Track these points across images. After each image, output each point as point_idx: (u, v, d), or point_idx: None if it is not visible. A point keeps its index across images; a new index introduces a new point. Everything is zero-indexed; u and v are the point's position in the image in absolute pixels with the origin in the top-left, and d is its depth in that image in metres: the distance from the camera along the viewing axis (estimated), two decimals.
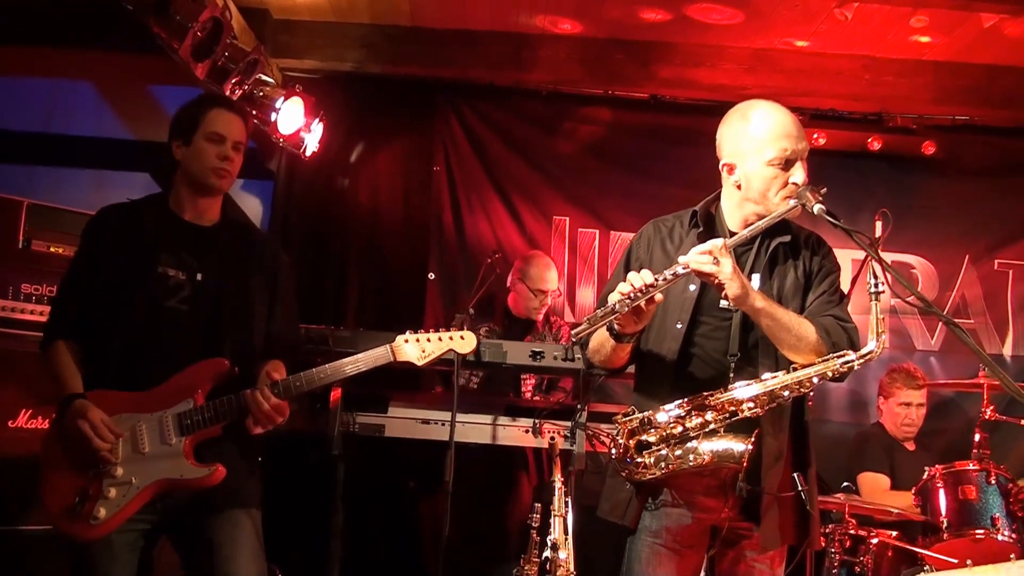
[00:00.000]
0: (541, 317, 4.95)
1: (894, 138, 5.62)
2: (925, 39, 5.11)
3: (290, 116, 4.87)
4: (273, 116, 4.75)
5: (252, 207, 5.64)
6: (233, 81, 4.37)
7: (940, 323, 5.64)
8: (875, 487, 4.66)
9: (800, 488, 2.54)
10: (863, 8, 4.72)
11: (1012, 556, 3.66)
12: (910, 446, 4.90)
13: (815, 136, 5.49)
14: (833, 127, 5.57)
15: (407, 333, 2.92)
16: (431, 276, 5.54)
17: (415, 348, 2.91)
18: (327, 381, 2.83)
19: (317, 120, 5.04)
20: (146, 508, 2.68)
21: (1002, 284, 5.77)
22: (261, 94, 4.71)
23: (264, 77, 4.69)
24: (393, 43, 5.34)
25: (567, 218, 5.69)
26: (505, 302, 5.01)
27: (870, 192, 5.57)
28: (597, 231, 5.70)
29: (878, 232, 4.22)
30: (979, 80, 5.41)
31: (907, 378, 4.87)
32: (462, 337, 2.93)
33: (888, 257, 5.53)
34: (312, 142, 5.09)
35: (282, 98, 4.77)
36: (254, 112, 4.67)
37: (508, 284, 4.99)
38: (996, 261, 5.77)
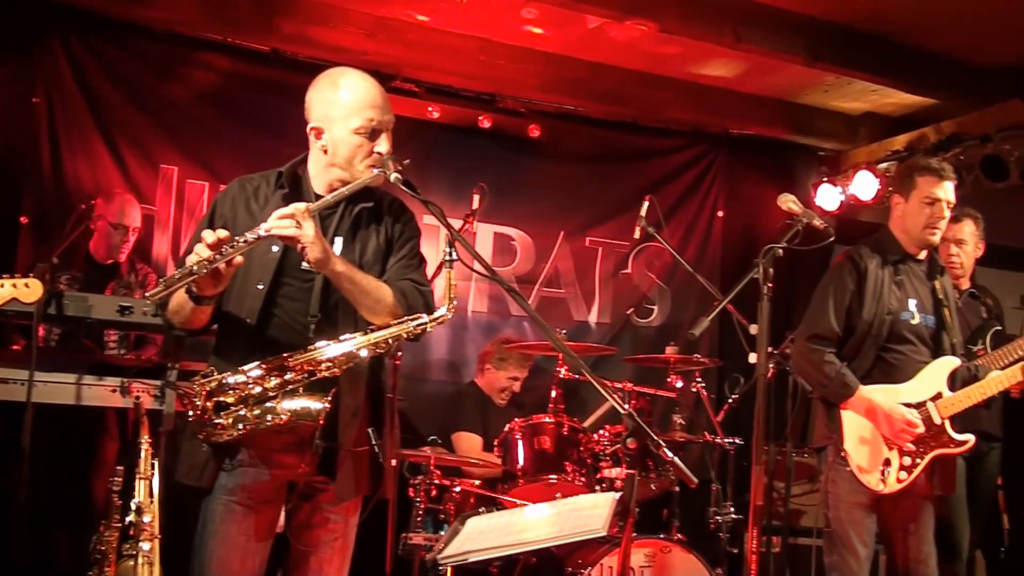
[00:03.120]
0: (125, 258, 4.72)
1: (504, 118, 5.96)
2: (537, 30, 5.41)
3: None
4: None
5: None
6: None
7: (535, 290, 6.16)
8: (469, 446, 5.02)
9: (374, 442, 2.68)
10: None
11: (558, 495, 4.10)
12: (502, 403, 5.32)
13: (430, 109, 5.69)
14: (448, 102, 5.79)
15: None
16: (23, 219, 5.02)
17: None
18: None
19: None
20: None
21: (591, 259, 6.38)
22: None
23: None
24: None
25: (176, 168, 5.37)
26: (87, 247, 4.69)
27: (479, 167, 5.82)
28: (207, 184, 5.42)
29: (475, 204, 4.56)
30: (584, 74, 5.85)
31: (520, 357, 5.29)
32: (26, 285, 2.75)
33: (490, 228, 6.04)
34: None
35: None
36: None
37: (91, 226, 4.66)
38: (587, 238, 6.36)
